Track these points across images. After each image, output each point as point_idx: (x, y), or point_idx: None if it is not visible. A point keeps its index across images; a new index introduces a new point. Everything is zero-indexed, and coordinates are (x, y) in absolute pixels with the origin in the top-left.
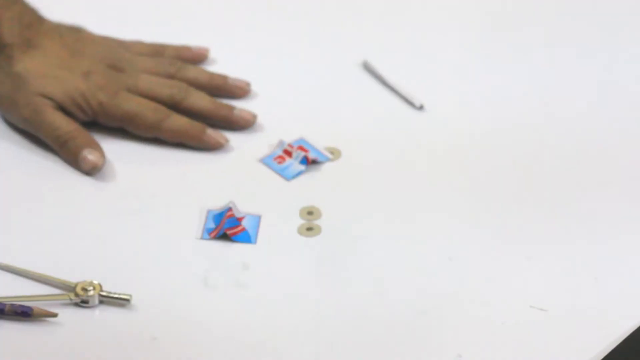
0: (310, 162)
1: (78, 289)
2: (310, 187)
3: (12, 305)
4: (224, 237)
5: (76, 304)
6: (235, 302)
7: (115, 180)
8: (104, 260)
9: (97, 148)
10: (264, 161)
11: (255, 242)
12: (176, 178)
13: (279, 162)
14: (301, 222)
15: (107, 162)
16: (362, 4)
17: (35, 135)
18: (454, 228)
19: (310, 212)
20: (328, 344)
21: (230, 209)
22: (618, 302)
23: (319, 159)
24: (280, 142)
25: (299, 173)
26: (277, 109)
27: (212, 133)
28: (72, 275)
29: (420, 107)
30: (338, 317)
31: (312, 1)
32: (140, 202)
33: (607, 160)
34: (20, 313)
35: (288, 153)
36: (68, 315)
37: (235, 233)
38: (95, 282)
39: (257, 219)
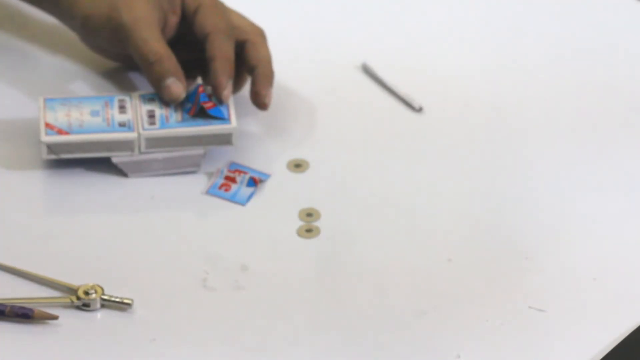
0: (258, 183)
1: (80, 292)
2: (309, 189)
3: (13, 307)
4: (201, 112)
5: (77, 307)
6: (234, 304)
7: (116, 184)
8: (105, 263)
9: (182, 79)
10: (210, 192)
11: (228, 119)
12: (175, 182)
13: (226, 190)
14: (300, 223)
15: (107, 168)
16: (361, 7)
17: (119, 47)
18: (453, 229)
19: (309, 214)
20: (327, 345)
21: (200, 85)
22: (617, 302)
23: (262, 178)
24: (219, 170)
25: (252, 195)
26: (276, 112)
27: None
28: (74, 278)
29: (419, 109)
30: (337, 318)
31: (311, 3)
32: (140, 205)
33: (605, 160)
34: (21, 315)
35: (231, 179)
36: (69, 318)
37: (210, 107)
38: (97, 285)
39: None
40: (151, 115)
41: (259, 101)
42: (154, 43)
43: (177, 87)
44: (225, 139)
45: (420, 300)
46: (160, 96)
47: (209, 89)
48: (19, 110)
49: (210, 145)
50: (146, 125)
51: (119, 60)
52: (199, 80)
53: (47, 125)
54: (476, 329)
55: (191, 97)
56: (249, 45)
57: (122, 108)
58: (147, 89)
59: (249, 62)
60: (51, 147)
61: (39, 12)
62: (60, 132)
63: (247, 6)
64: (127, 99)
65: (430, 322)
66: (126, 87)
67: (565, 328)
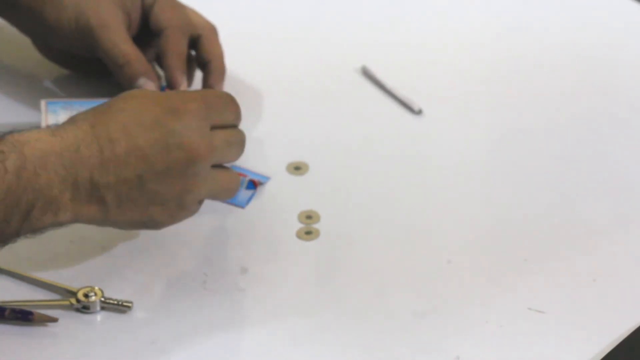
0: (257, 185)
1: (79, 295)
2: (309, 191)
3: (13, 309)
4: None
5: (77, 310)
6: (234, 306)
7: None
8: (104, 265)
9: (153, 77)
10: None
11: None
12: None
13: None
14: (300, 226)
15: None
16: (360, 10)
17: (85, 52)
18: (452, 231)
19: (309, 216)
20: (327, 347)
21: (165, 88)
22: (616, 304)
23: (262, 180)
24: None
25: (251, 197)
26: (276, 115)
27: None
28: (74, 280)
29: (419, 112)
30: (337, 320)
31: (311, 7)
32: None
33: (605, 161)
34: (21, 317)
35: None
36: (68, 320)
37: None
38: (97, 288)
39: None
40: None
41: None
42: (122, 45)
43: (149, 86)
44: None
45: (420, 301)
46: None
47: None
48: (18, 114)
49: None
50: None
51: (77, 68)
52: (163, 82)
53: None
54: (476, 331)
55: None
56: (203, 40)
57: None
58: None
59: (202, 56)
60: None
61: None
62: None
63: (247, 10)
64: None
65: (430, 323)
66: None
67: (564, 329)
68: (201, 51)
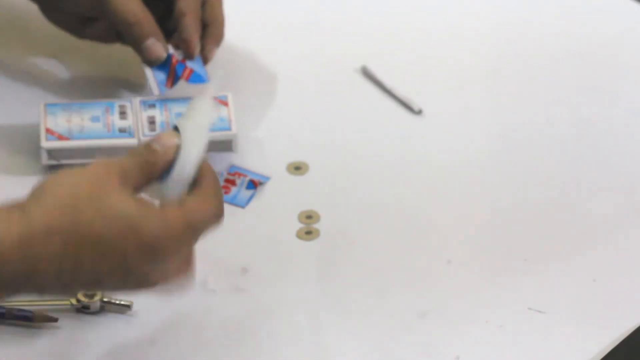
0: (257, 185)
1: (80, 295)
2: (309, 191)
3: (12, 309)
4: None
5: (77, 310)
6: (234, 306)
7: None
8: None
9: (162, 40)
10: None
11: (208, 80)
12: None
13: (226, 192)
14: (300, 226)
15: None
16: (361, 10)
17: (95, 12)
18: (452, 231)
19: (309, 216)
20: (327, 347)
21: (172, 55)
22: (617, 303)
23: (262, 180)
24: (219, 173)
25: (251, 197)
26: (276, 115)
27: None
28: None
29: (419, 112)
30: (337, 320)
31: (311, 7)
32: None
33: (605, 162)
34: (21, 317)
35: (231, 182)
36: (68, 321)
37: (188, 76)
38: None
39: (198, 57)
40: (152, 122)
41: (203, 56)
42: (132, 4)
43: (157, 47)
44: (226, 146)
45: (420, 301)
46: (141, 58)
47: (179, 55)
48: (18, 116)
49: (211, 152)
50: (147, 132)
51: (83, 33)
52: (170, 50)
53: (48, 130)
54: (475, 331)
55: (164, 68)
56: (208, 5)
57: (122, 114)
58: (147, 95)
59: (204, 19)
60: (51, 153)
61: (39, 16)
62: (60, 137)
63: (247, 11)
64: (127, 104)
65: (430, 323)
66: (126, 92)
67: (564, 329)
68: (204, 14)
